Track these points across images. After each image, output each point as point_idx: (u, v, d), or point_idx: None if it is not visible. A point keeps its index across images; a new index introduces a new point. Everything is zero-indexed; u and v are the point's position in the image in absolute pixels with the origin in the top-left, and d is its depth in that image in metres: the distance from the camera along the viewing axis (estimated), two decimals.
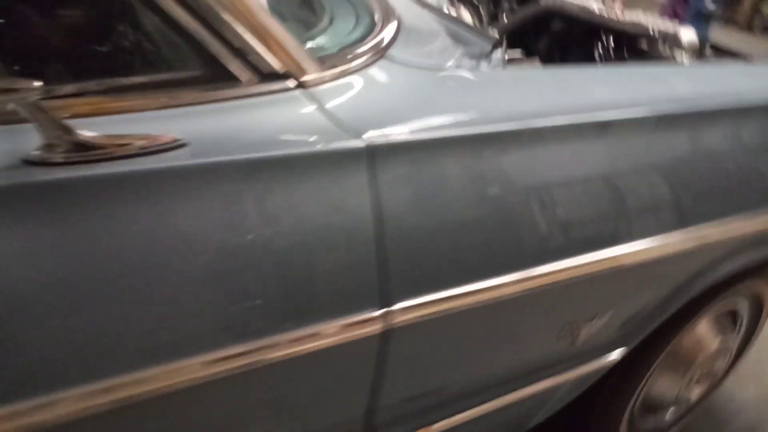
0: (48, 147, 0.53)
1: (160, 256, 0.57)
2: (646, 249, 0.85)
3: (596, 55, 1.26)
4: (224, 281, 0.60)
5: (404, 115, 0.70)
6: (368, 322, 0.69)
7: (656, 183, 0.84)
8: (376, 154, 0.66)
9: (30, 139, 0.53)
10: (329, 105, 0.68)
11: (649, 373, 1.18)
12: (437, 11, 1.13)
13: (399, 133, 0.68)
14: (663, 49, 1.20)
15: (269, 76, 0.66)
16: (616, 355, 1.01)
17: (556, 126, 0.76)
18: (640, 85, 0.92)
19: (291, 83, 0.68)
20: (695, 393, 1.35)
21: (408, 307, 0.70)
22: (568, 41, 1.32)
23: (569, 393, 1.05)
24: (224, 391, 0.65)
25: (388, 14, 0.88)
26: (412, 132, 0.68)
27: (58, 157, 0.54)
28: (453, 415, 0.88)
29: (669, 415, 1.36)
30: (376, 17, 0.86)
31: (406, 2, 1.04)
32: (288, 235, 0.63)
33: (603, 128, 0.80)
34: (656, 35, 1.18)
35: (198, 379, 0.61)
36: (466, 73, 0.83)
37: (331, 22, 0.85)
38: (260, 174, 0.61)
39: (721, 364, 1.33)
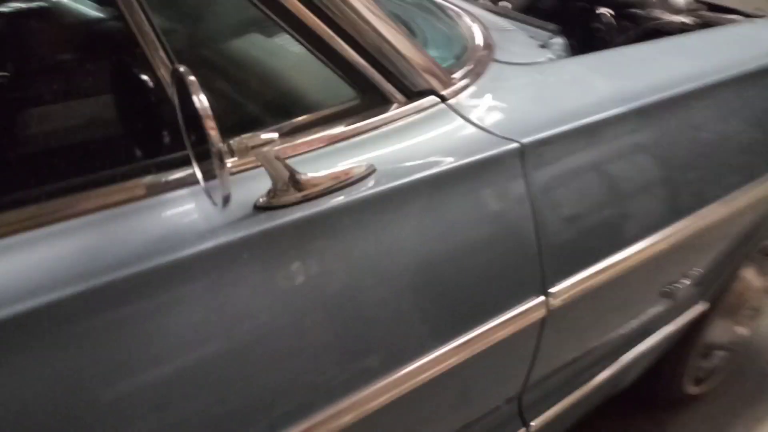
0: (274, 192, 0.56)
1: (384, 272, 0.61)
2: (721, 208, 0.94)
3: (598, 26, 1.33)
4: (429, 290, 0.64)
5: (539, 110, 0.76)
6: (533, 309, 0.74)
7: (740, 140, 0.93)
8: (526, 152, 0.71)
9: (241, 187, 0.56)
10: (472, 115, 0.73)
11: (708, 323, 1.29)
12: (496, 8, 1.19)
13: (544, 128, 0.73)
14: (660, 14, 1.29)
15: (417, 95, 0.71)
16: (699, 307, 1.10)
17: (680, 94, 0.84)
18: (705, 52, 1.01)
19: (435, 99, 0.72)
20: (741, 334, 1.48)
21: (564, 287, 0.76)
22: (564, 17, 1.38)
23: (663, 349, 1.13)
24: (424, 393, 0.69)
25: (471, 20, 0.93)
26: (553, 125, 0.74)
27: (285, 200, 0.57)
28: (583, 384, 0.95)
29: (718, 358, 1.48)
30: (462, 25, 0.91)
31: (465, 4, 1.09)
32: (467, 240, 0.68)
33: (711, 90, 0.88)
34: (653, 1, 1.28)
35: (414, 384, 0.65)
36: (566, 62, 0.90)
37: (426, 38, 0.89)
38: (443, 186, 0.66)
39: (762, 302, 1.46)
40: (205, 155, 0.55)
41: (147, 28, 0.54)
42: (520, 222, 0.71)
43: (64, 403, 0.46)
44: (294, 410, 0.58)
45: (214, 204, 0.52)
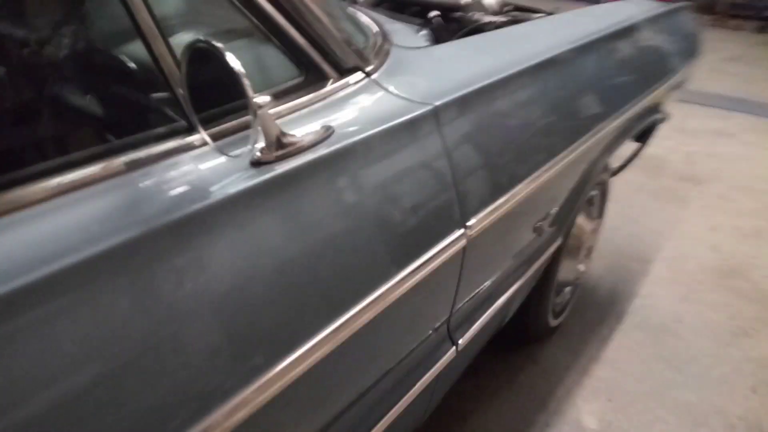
0: (264, 149, 0.67)
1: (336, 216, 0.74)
2: (575, 150, 1.21)
3: (430, 26, 1.60)
4: (370, 233, 0.78)
5: (440, 81, 0.95)
6: (456, 240, 0.92)
7: (583, 98, 1.21)
8: (439, 112, 0.89)
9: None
10: (391, 87, 0.89)
11: (560, 262, 1.58)
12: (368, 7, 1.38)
13: (448, 93, 0.92)
14: (472, 14, 1.59)
15: (347, 71, 0.85)
16: (555, 245, 1.37)
17: (538, 63, 1.08)
18: (547, 34, 1.29)
19: (362, 75, 0.87)
20: (582, 270, 1.82)
21: (478, 219, 0.95)
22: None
23: (530, 285, 1.39)
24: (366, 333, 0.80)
25: (363, 14, 1.10)
26: (454, 90, 0.93)
27: (272, 157, 0.67)
28: (494, 302, 1.15)
29: (567, 293, 1.80)
30: (360, 18, 1.08)
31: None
32: (400, 188, 0.83)
33: (553, 62, 1.13)
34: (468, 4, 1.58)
35: (356, 325, 0.76)
36: (441, 46, 1.10)
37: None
38: (379, 145, 0.81)
39: (592, 243, 1.81)
40: (211, 118, 0.64)
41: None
42: (439, 169, 0.88)
43: None
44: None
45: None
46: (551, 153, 1.13)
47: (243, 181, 0.64)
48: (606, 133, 1.32)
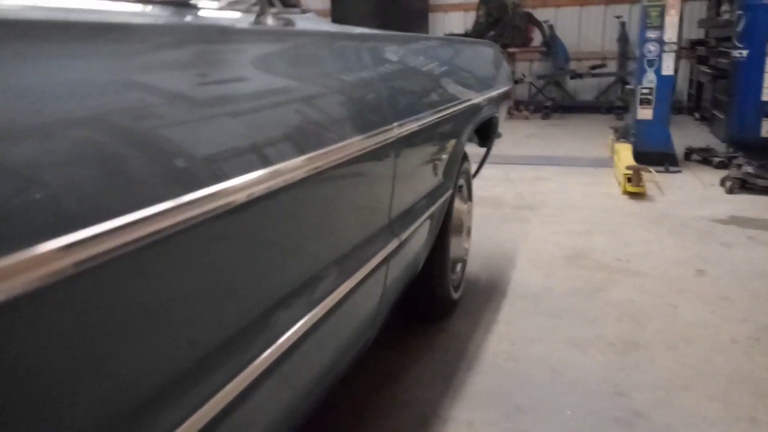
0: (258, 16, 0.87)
1: None
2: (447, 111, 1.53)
3: None
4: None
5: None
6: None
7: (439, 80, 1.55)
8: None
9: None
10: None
11: (449, 241, 1.86)
12: None
13: None
14: None
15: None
16: (449, 192, 1.65)
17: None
18: None
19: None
20: (466, 248, 2.11)
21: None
22: None
23: (435, 231, 1.63)
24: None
25: None
26: None
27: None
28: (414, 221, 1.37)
29: (458, 270, 2.07)
30: None
31: None
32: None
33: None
34: None
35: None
36: (315, 19, 1.39)
37: None
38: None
39: (469, 224, 2.13)
40: None
41: None
42: None
43: None
44: None
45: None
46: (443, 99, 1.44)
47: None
48: (457, 112, 1.65)
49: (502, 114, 2.28)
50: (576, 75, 7.37)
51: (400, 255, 1.28)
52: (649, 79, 4.16)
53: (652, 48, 4.11)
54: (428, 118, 1.36)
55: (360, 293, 1.11)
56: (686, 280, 2.30)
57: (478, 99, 1.83)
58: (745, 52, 4.18)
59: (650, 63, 4.14)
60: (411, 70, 1.41)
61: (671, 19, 4.02)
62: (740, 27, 4.22)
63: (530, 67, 7.96)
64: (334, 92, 0.98)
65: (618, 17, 7.29)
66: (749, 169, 3.71)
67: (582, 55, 7.64)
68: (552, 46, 7.37)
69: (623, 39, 7.20)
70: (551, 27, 7.41)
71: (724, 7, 5.49)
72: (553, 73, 7.50)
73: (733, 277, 2.32)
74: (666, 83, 4.16)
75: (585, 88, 7.73)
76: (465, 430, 1.42)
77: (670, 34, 4.05)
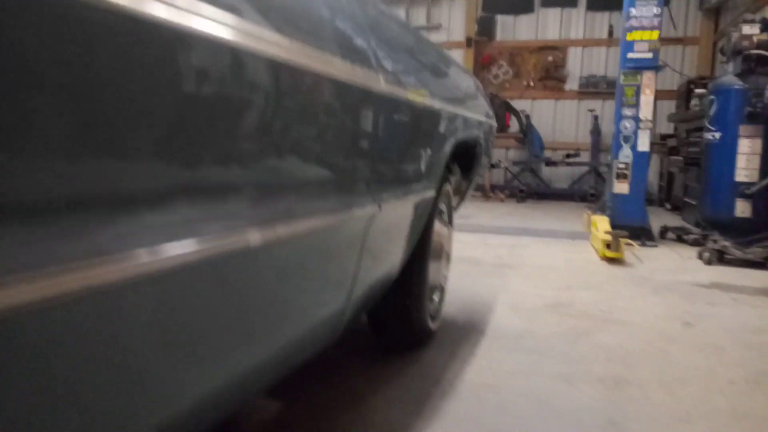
0: None
1: None
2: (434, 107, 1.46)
3: None
4: None
5: None
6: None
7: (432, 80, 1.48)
8: None
9: None
10: None
11: (427, 264, 1.73)
12: None
13: None
14: None
15: None
16: (432, 192, 1.54)
17: None
18: None
19: None
20: (445, 275, 1.96)
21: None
22: None
23: (414, 231, 1.50)
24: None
25: None
26: None
27: None
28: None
29: (436, 299, 1.92)
30: None
31: None
32: None
33: None
34: None
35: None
36: None
37: None
38: None
39: (448, 250, 2.00)
40: None
41: None
42: None
43: None
44: None
45: None
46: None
47: None
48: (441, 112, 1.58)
49: (486, 149, 2.22)
50: (551, 162, 7.54)
51: (377, 229, 1.14)
52: (626, 154, 4.22)
53: (627, 125, 4.21)
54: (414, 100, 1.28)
55: (333, 258, 0.98)
56: (675, 331, 2.17)
57: (461, 112, 1.77)
58: (717, 135, 4.29)
59: (626, 139, 4.22)
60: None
61: (646, 98, 4.15)
62: (712, 111, 4.36)
63: (506, 153, 8.15)
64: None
65: (591, 111, 7.59)
66: (726, 243, 3.70)
67: (557, 145, 7.86)
68: (528, 134, 7.58)
69: (596, 131, 7.45)
70: (527, 117, 7.66)
71: (694, 101, 5.74)
72: (529, 159, 7.66)
73: (722, 330, 2.20)
74: (642, 159, 4.22)
75: (559, 177, 7.88)
76: None
77: (645, 112, 4.17)
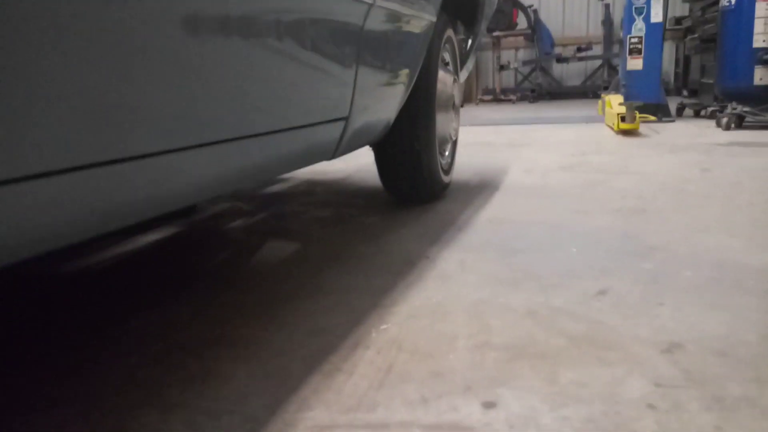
0: None
1: None
2: None
3: None
4: None
5: None
6: None
7: None
8: None
9: None
10: None
11: (433, 108, 1.68)
12: None
13: None
14: None
15: None
16: (431, 16, 1.49)
17: None
18: None
19: None
20: (454, 127, 1.93)
21: None
22: None
23: (418, 49, 1.47)
24: None
25: None
26: None
27: None
28: None
29: (447, 152, 1.89)
30: None
31: None
32: None
33: None
34: None
35: None
36: None
37: None
38: None
39: (456, 100, 1.96)
40: None
41: None
42: None
43: None
44: None
45: None
46: None
47: None
48: None
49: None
50: (562, 59, 7.31)
51: (374, 25, 1.11)
52: (638, 27, 4.06)
53: None
54: None
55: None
56: (692, 175, 2.13)
57: None
58: (733, 0, 4.10)
59: (638, 11, 4.04)
60: None
61: None
62: None
63: (515, 54, 7.91)
64: None
65: (602, 0, 7.28)
66: (746, 109, 3.59)
67: (567, 41, 7.60)
68: (537, 32, 7.32)
69: (608, 22, 7.17)
70: (535, 11, 7.38)
71: None
72: (539, 58, 7.43)
73: (741, 171, 2.15)
74: (655, 31, 4.06)
75: (571, 74, 7.67)
76: (456, 267, 1.23)
77: None
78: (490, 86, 7.72)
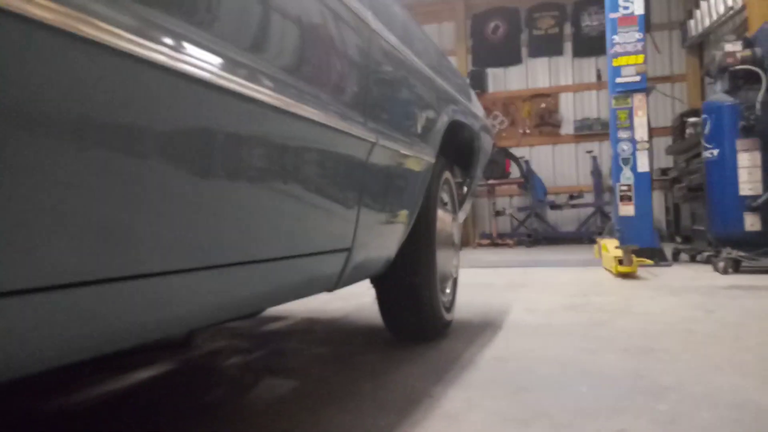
0: None
1: None
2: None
3: None
4: None
5: None
6: None
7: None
8: None
9: None
10: None
11: (433, 247, 1.72)
12: None
13: None
14: None
15: None
16: (430, 158, 1.55)
17: None
18: None
19: None
20: (455, 264, 1.94)
21: None
22: None
23: (419, 188, 1.52)
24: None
25: None
26: None
27: None
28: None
29: (448, 290, 1.89)
30: None
31: None
32: None
33: None
34: None
35: None
36: None
37: None
38: None
39: (456, 239, 1.98)
40: None
41: None
42: None
43: None
44: None
45: None
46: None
47: None
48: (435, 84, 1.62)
49: (485, 143, 2.25)
50: (555, 206, 7.57)
51: (377, 162, 1.16)
52: (626, 176, 4.25)
53: (625, 147, 4.27)
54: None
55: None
56: (697, 316, 2.11)
57: (457, 95, 1.82)
58: (715, 152, 4.33)
59: (625, 161, 4.26)
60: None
61: (639, 120, 4.23)
62: (707, 130, 4.42)
63: (510, 201, 8.19)
64: None
65: (589, 152, 7.70)
66: (741, 254, 3.65)
67: (559, 189, 7.92)
68: (529, 180, 7.65)
69: (597, 172, 7.52)
70: (527, 162, 7.77)
71: (689, 130, 5.82)
72: (533, 205, 7.69)
73: (745, 313, 2.14)
74: (643, 179, 4.24)
75: (566, 220, 7.89)
76: (462, 405, 1.17)
77: (641, 133, 4.23)
78: (487, 231, 7.91)
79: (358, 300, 2.72)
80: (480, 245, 7.48)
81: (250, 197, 0.77)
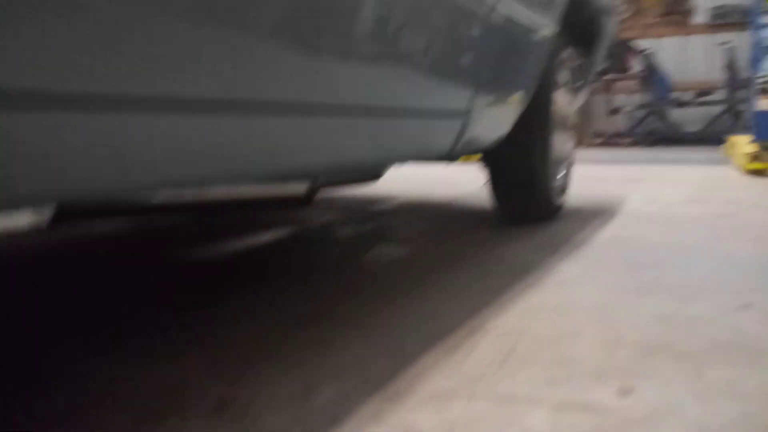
0: None
1: None
2: None
3: None
4: None
5: None
6: None
7: None
8: None
9: None
10: None
11: (548, 124, 1.65)
12: None
13: None
14: None
15: None
16: (550, 28, 1.46)
17: None
18: None
19: None
20: (570, 148, 1.88)
21: None
22: None
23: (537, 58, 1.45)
24: None
25: None
26: None
27: None
28: None
29: (561, 174, 1.83)
30: None
31: None
32: None
33: None
34: None
35: None
36: None
37: None
38: None
39: (573, 120, 1.90)
40: None
41: None
42: None
43: None
44: None
45: None
46: None
47: None
48: None
49: (608, 25, 2.07)
50: (681, 103, 6.97)
51: (497, 24, 1.10)
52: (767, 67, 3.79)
53: None
54: None
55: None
56: None
57: None
58: None
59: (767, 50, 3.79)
60: None
61: None
62: None
63: (628, 99, 7.63)
64: None
65: (724, 43, 6.90)
66: None
67: (686, 86, 7.24)
68: (652, 76, 7.05)
69: (732, 65, 6.77)
70: (651, 55, 7.13)
71: None
72: (655, 101, 7.12)
73: None
74: None
75: (690, 119, 7.26)
76: (576, 275, 1.16)
77: None
78: (601, 130, 7.48)
79: (462, 189, 2.72)
80: (593, 145, 7.12)
81: (388, 47, 0.77)
